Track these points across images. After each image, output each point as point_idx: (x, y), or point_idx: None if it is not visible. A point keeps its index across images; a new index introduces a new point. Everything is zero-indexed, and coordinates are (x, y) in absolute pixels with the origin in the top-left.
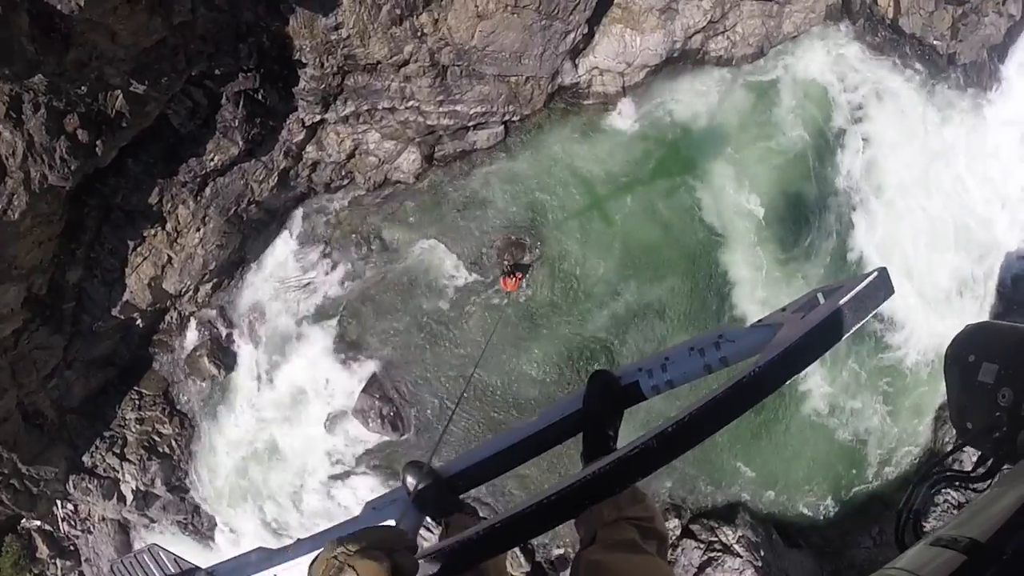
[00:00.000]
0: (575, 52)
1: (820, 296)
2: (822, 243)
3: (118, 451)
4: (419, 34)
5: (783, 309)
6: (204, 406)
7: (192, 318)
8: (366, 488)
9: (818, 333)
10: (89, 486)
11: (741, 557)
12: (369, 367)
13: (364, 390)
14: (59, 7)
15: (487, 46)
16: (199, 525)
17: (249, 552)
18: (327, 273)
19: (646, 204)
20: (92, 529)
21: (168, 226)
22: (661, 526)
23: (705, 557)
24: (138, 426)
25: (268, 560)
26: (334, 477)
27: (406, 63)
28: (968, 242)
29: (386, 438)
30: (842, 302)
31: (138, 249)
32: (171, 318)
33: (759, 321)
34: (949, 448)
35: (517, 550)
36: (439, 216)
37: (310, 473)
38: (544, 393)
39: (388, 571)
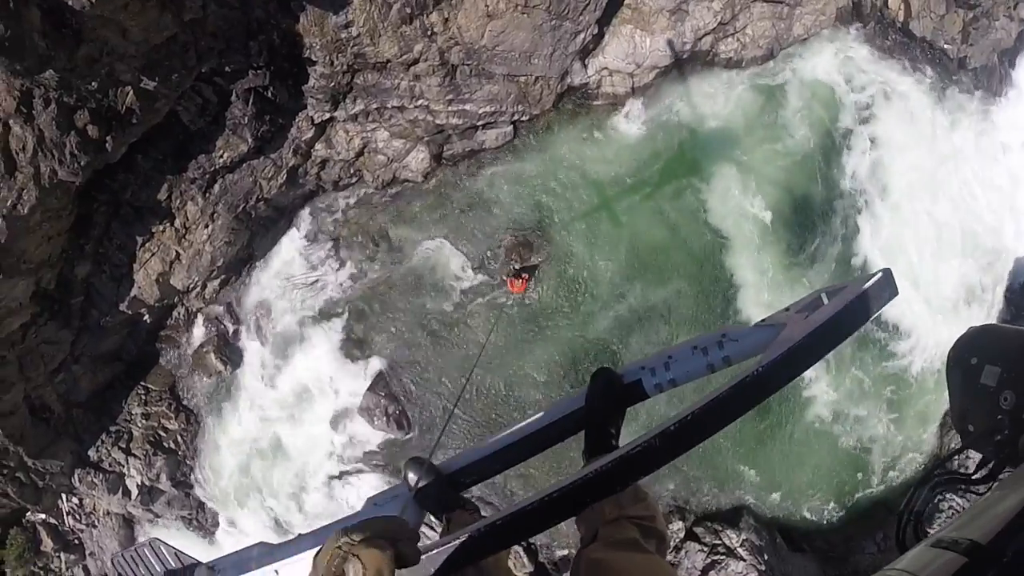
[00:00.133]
0: (585, 52)
1: (824, 296)
2: (828, 247)
3: (124, 446)
4: (429, 33)
5: (787, 309)
6: (210, 402)
7: (199, 314)
8: (370, 486)
9: (821, 333)
10: (94, 480)
11: (745, 561)
12: (375, 365)
13: (370, 388)
14: (71, 3)
15: (497, 46)
16: (203, 521)
17: (251, 547)
18: (335, 271)
19: (653, 206)
20: (97, 523)
21: (177, 222)
22: (662, 525)
23: (708, 560)
24: (144, 421)
25: (269, 555)
26: (338, 475)
27: (416, 62)
28: (976, 249)
29: (391, 436)
30: (846, 303)
31: (146, 245)
32: (178, 314)
33: (762, 321)
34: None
35: (520, 550)
36: (447, 215)
37: (314, 470)
38: (548, 394)
39: (391, 559)
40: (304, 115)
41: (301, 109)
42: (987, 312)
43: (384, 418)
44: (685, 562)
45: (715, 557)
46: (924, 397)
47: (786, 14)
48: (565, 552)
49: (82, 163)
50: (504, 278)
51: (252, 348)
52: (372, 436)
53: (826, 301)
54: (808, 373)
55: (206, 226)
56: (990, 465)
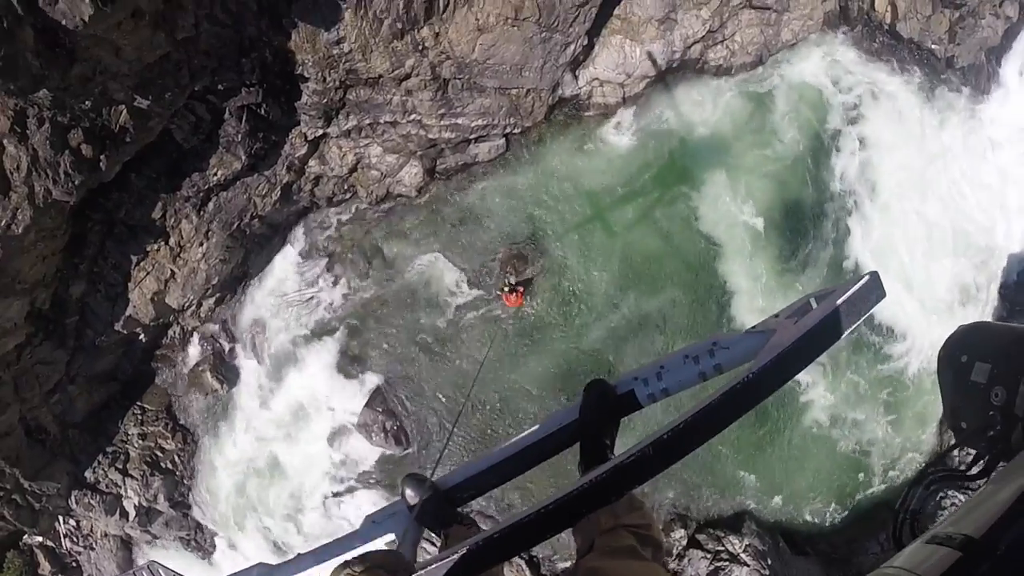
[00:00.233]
0: (575, 64)
1: (813, 301)
2: (819, 250)
3: (120, 467)
4: (420, 48)
5: (776, 315)
6: (206, 421)
7: (195, 333)
8: (369, 503)
9: (811, 337)
10: (91, 502)
11: (748, 566)
12: (372, 381)
13: (367, 404)
14: (64, 22)
15: (488, 59)
16: (202, 541)
17: (250, 568)
18: (329, 287)
19: (646, 215)
20: (94, 545)
21: (171, 241)
22: (658, 533)
23: (712, 567)
24: (141, 441)
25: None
26: (336, 493)
27: (408, 77)
28: (968, 248)
29: (389, 452)
30: (834, 306)
31: (141, 264)
32: (174, 333)
33: (753, 327)
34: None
35: (522, 563)
36: (441, 229)
37: (312, 489)
38: (543, 407)
39: None
40: (297, 132)
41: (294, 126)
42: (982, 311)
43: (382, 434)
44: (689, 570)
45: (719, 563)
46: (922, 398)
47: (774, 20)
48: (567, 563)
49: (76, 182)
50: (499, 292)
51: (248, 366)
52: (370, 452)
53: (815, 305)
54: (805, 378)
55: (200, 244)
56: (984, 461)
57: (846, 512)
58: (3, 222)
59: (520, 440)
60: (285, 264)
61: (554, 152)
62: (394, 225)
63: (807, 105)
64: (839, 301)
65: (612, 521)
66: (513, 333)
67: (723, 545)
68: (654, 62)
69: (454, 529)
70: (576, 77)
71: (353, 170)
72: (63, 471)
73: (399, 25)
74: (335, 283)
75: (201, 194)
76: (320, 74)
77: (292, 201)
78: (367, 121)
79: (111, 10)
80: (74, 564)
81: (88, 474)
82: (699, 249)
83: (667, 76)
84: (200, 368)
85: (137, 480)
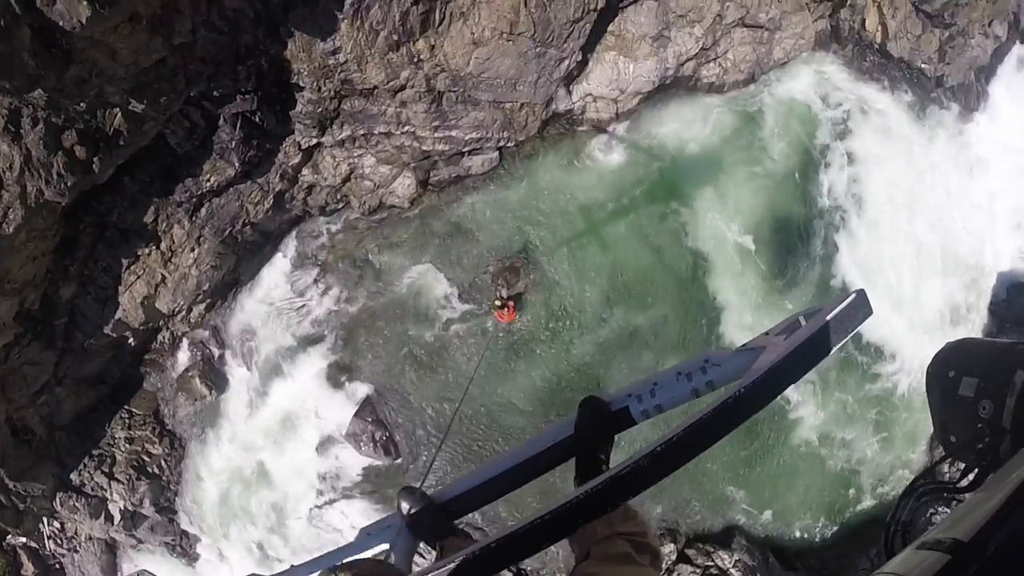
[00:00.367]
0: (569, 79)
1: (802, 319)
2: (808, 267)
3: (107, 470)
4: (416, 60)
5: (767, 333)
6: (195, 427)
7: (184, 338)
8: (357, 512)
9: (799, 353)
10: (76, 504)
11: None
12: (361, 391)
13: (357, 414)
14: (61, 23)
15: (483, 72)
16: (187, 547)
17: None
18: (320, 296)
19: (636, 230)
20: (78, 548)
21: (163, 245)
22: (654, 541)
23: None
24: (128, 445)
25: None
26: (324, 502)
27: (402, 88)
28: (957, 266)
29: (378, 462)
30: (822, 323)
31: (132, 267)
32: (163, 338)
33: (744, 345)
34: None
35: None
36: (433, 241)
37: (299, 498)
38: (532, 422)
39: None
40: (291, 140)
41: (288, 134)
42: (971, 330)
43: (371, 444)
44: None
45: None
46: (913, 417)
47: (766, 39)
48: None
49: (69, 183)
50: (492, 309)
51: (237, 373)
52: (358, 462)
53: (803, 323)
54: (795, 397)
55: (192, 250)
56: (974, 473)
57: (836, 528)
58: None
59: (515, 455)
60: (276, 272)
61: (547, 166)
62: (386, 236)
63: (797, 121)
64: (827, 318)
65: (608, 530)
66: (502, 347)
67: (712, 560)
68: (647, 79)
69: (449, 541)
70: (570, 92)
71: (346, 180)
72: (48, 473)
73: (395, 37)
74: (326, 292)
75: (194, 199)
76: (315, 83)
77: (285, 209)
78: (361, 131)
79: (109, 13)
80: (57, 566)
81: (74, 476)
82: (688, 265)
83: (660, 93)
84: (189, 374)
85: (123, 484)
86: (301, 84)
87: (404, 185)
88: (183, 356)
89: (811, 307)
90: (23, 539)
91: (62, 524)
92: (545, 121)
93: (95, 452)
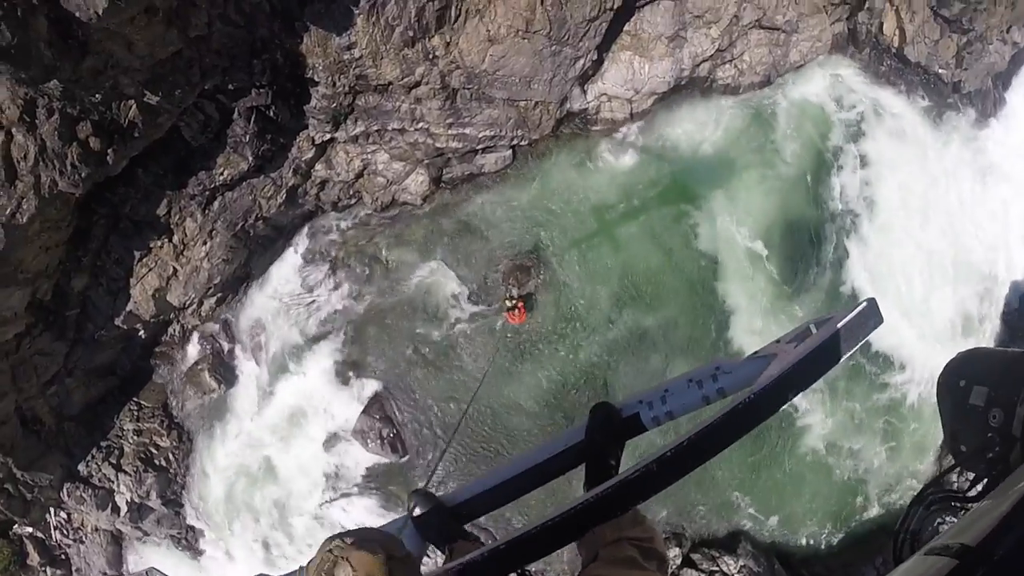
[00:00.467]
0: (584, 78)
1: (812, 327)
2: (818, 273)
3: (114, 462)
4: (431, 56)
5: (777, 341)
6: (203, 421)
7: (195, 331)
8: (363, 509)
9: (809, 361)
10: (83, 495)
11: None
12: (370, 388)
13: (365, 411)
14: (78, 14)
15: (497, 70)
16: (193, 541)
17: None
18: (331, 292)
19: (648, 232)
20: (84, 539)
21: (175, 238)
22: (661, 547)
23: None
24: (136, 437)
25: None
26: (331, 498)
27: (417, 85)
28: (970, 275)
29: (385, 460)
30: (832, 332)
31: (144, 260)
32: (174, 330)
33: (755, 353)
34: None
35: None
36: (444, 238)
37: (306, 494)
38: (538, 424)
39: (383, 563)
40: (305, 135)
41: (302, 129)
42: (983, 340)
43: (379, 441)
44: None
45: None
46: (922, 427)
47: (783, 41)
48: None
49: (83, 175)
50: (504, 311)
51: (247, 368)
52: (366, 459)
53: (814, 331)
54: (804, 406)
55: (204, 243)
56: (984, 483)
57: (842, 535)
58: (8, 211)
59: (526, 459)
60: (287, 267)
61: (560, 166)
62: (398, 233)
63: (811, 123)
64: (838, 326)
65: (616, 534)
66: (511, 347)
67: (718, 565)
68: (662, 79)
69: (459, 544)
70: (585, 91)
71: (359, 176)
72: (56, 463)
73: (410, 33)
74: (336, 288)
75: (207, 193)
76: (330, 78)
77: (297, 204)
78: (375, 127)
79: (125, 4)
80: (63, 556)
81: (81, 467)
82: (699, 268)
83: (675, 94)
84: (199, 367)
85: (130, 476)
86: (316, 79)
87: (417, 182)
88: (193, 349)
89: (822, 315)
90: (30, 529)
91: (69, 515)
92: (559, 120)
93: (103, 443)
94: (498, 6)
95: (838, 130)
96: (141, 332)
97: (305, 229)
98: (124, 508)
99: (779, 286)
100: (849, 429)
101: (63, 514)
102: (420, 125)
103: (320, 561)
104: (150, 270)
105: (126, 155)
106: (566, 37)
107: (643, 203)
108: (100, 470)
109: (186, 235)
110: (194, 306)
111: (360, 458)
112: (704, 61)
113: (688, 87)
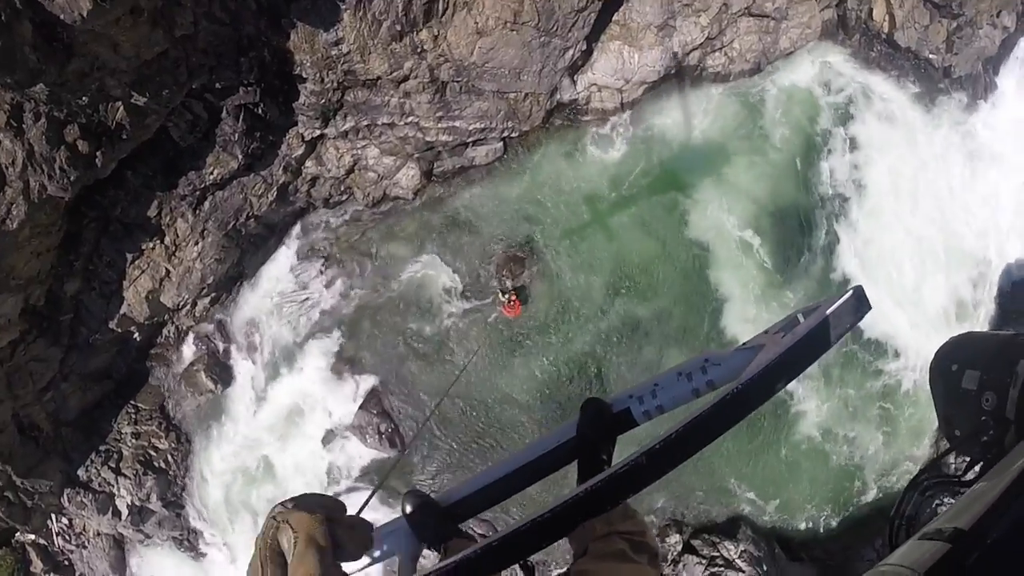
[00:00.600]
0: (574, 69)
1: (800, 316)
2: (809, 259)
3: (114, 465)
4: (419, 50)
5: (766, 331)
6: (200, 421)
7: (190, 332)
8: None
9: (797, 350)
10: (84, 500)
11: (744, 572)
12: (367, 383)
13: (362, 406)
14: (62, 17)
15: (486, 62)
16: (194, 542)
17: None
18: (325, 289)
19: (639, 221)
20: (87, 544)
21: (167, 239)
22: (652, 541)
23: (708, 572)
24: (134, 440)
25: None
26: (331, 494)
27: (406, 79)
28: (962, 260)
29: (383, 455)
30: (819, 320)
31: (136, 262)
32: (168, 332)
33: (744, 344)
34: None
35: (517, 568)
36: (437, 232)
37: (305, 490)
38: (532, 416)
39: (322, 522)
40: (294, 132)
41: (291, 126)
42: (977, 324)
43: (376, 436)
44: (684, 575)
45: (714, 569)
46: (917, 412)
47: (772, 28)
48: (563, 569)
49: (72, 178)
50: (499, 305)
51: (243, 367)
52: (364, 454)
53: (802, 320)
54: (799, 393)
55: (196, 243)
56: (979, 466)
57: (841, 519)
58: None
59: (519, 457)
60: (280, 265)
61: (551, 157)
62: (390, 227)
63: (800, 108)
64: (825, 315)
65: (606, 528)
66: (504, 339)
67: (718, 551)
68: (652, 68)
69: (453, 542)
70: (574, 82)
71: (350, 172)
72: (56, 469)
73: (398, 27)
74: (331, 284)
75: (197, 193)
76: (318, 75)
77: (288, 202)
78: (365, 123)
79: (110, 6)
80: (66, 563)
81: (81, 472)
82: (691, 256)
83: (665, 82)
84: (194, 368)
85: (130, 479)
86: (304, 75)
87: (408, 176)
88: (188, 350)
89: (809, 304)
90: (32, 536)
91: (70, 520)
92: (549, 111)
93: (102, 448)
94: None
95: (827, 114)
96: (136, 335)
97: (297, 226)
98: (125, 512)
99: (771, 273)
100: (844, 416)
101: (64, 520)
102: (410, 119)
103: (265, 529)
104: (143, 272)
105: (115, 157)
106: (555, 28)
107: (634, 192)
108: (100, 474)
109: (178, 236)
110: (188, 307)
111: (358, 453)
112: (694, 50)
113: (678, 76)
